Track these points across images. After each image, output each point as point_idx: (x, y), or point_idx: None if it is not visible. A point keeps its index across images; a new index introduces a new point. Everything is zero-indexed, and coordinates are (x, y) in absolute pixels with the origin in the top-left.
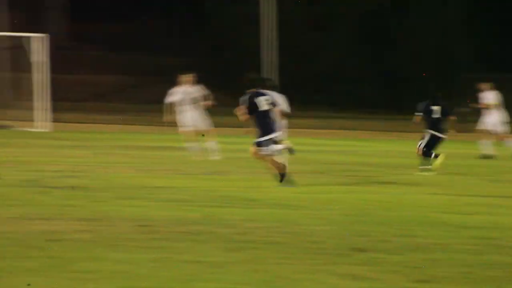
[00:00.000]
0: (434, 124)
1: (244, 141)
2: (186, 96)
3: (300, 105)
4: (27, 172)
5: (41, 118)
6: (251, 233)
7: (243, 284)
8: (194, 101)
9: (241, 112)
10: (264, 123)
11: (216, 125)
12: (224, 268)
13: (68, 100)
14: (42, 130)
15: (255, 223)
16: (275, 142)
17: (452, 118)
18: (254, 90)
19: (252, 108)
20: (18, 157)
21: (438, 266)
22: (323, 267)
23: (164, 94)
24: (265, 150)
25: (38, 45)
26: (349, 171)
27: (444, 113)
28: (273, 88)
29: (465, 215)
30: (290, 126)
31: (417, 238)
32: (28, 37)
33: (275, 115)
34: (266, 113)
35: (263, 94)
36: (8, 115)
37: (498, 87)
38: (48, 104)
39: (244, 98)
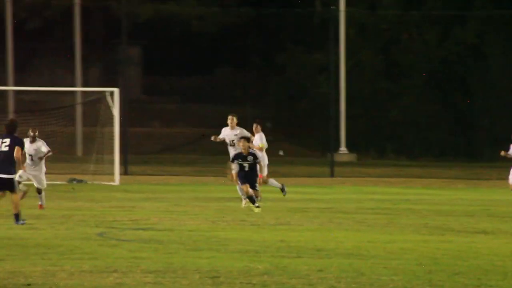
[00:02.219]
0: None
1: (312, 191)
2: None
3: (373, 153)
4: (98, 224)
5: (114, 171)
6: (319, 284)
7: None
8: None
9: None
10: None
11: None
12: None
13: (141, 152)
14: (114, 184)
15: (323, 273)
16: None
17: None
18: None
19: None
20: (90, 210)
21: None
22: None
23: None
24: None
25: (112, 99)
26: (421, 220)
27: None
28: None
29: None
30: (362, 175)
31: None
32: (102, 92)
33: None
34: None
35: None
36: (81, 169)
37: None
38: (120, 157)
39: None
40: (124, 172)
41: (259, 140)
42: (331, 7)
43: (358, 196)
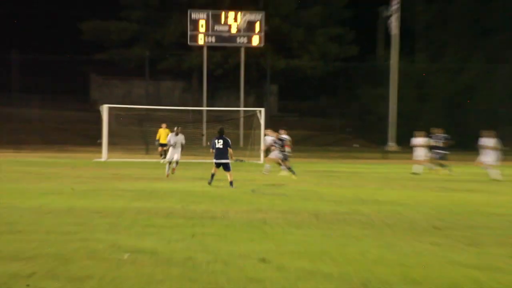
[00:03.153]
0: None
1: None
2: None
3: (408, 146)
4: (251, 185)
5: (261, 156)
6: (374, 217)
7: None
8: None
9: None
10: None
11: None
12: None
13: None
14: (260, 162)
15: (382, 214)
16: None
17: None
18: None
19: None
20: (246, 178)
21: (483, 237)
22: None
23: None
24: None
25: (260, 115)
26: (440, 183)
27: None
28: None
29: None
30: (402, 159)
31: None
32: (255, 110)
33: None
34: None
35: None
36: (242, 154)
37: None
38: (263, 147)
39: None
40: (266, 156)
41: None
42: (387, 61)
43: (399, 170)
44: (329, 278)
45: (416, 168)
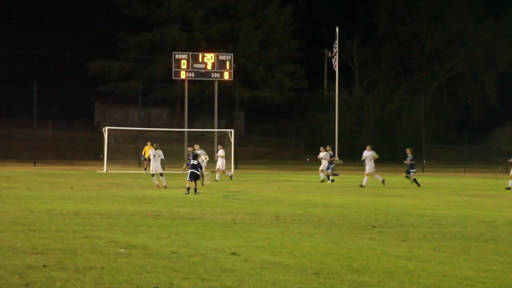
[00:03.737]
0: None
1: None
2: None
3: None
4: (223, 192)
5: (231, 167)
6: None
7: None
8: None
9: None
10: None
11: None
12: None
13: (243, 158)
14: (232, 173)
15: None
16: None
17: None
18: None
19: None
20: (219, 186)
21: (411, 233)
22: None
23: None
24: None
25: (230, 135)
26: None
27: None
28: None
29: None
30: None
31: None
32: (226, 131)
33: None
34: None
35: None
36: (215, 166)
37: None
38: (234, 159)
39: None
40: (236, 168)
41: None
42: (331, 92)
43: (343, 179)
44: (288, 268)
45: (364, 180)
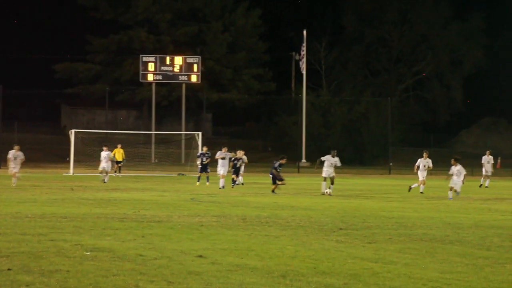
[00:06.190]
0: None
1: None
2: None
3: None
4: (191, 194)
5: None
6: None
7: None
8: None
9: None
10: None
11: None
12: None
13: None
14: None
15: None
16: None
17: None
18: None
19: None
20: (187, 189)
21: (377, 235)
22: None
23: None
24: None
25: (198, 137)
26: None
27: None
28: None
29: None
30: None
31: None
32: (193, 134)
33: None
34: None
35: None
36: (183, 169)
37: None
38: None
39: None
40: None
41: None
42: (299, 95)
43: (310, 181)
44: (255, 270)
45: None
